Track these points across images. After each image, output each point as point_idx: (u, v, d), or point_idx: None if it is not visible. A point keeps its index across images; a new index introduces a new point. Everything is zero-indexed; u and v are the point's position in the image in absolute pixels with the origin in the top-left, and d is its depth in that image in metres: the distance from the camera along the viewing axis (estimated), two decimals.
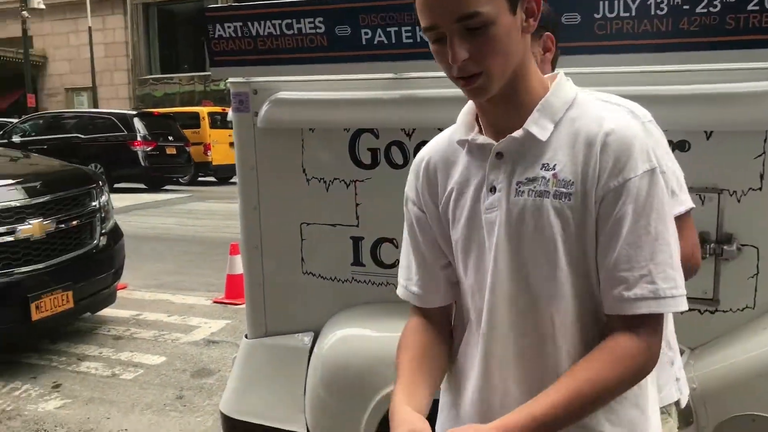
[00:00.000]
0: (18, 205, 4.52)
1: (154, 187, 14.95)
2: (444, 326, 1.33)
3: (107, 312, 5.52)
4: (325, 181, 2.49)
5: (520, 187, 1.14)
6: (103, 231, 5.13)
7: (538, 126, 1.14)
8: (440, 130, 2.27)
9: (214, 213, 11.51)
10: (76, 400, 4.09)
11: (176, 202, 13.10)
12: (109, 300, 5.26)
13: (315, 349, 2.53)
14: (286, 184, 2.56)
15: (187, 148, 15.42)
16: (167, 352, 4.85)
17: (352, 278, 2.54)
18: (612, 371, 1.09)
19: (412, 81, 2.31)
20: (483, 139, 1.19)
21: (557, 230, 1.12)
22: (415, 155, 2.39)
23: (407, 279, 1.34)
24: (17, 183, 4.72)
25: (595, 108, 1.16)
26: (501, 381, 1.21)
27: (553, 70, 1.63)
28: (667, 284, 1.09)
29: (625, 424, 1.18)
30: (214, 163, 16.35)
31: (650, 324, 1.11)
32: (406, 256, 1.35)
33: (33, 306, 4.37)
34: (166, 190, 14.86)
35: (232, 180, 16.66)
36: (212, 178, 16.75)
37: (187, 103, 23.30)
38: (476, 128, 1.21)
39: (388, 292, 2.48)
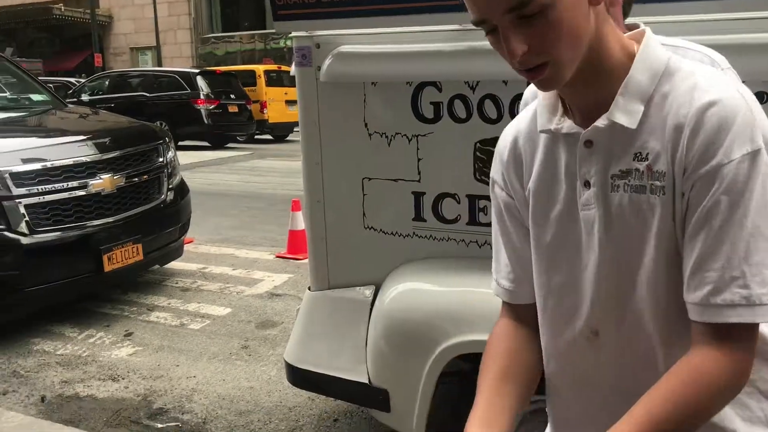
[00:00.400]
0: (89, 160, 4.68)
1: (217, 145, 15.23)
2: (536, 326, 1.21)
3: (175, 265, 5.71)
4: (386, 136, 2.49)
5: (615, 181, 1.02)
6: (170, 186, 5.28)
7: (624, 112, 1.00)
8: (505, 83, 2.25)
9: (275, 170, 11.66)
10: (146, 348, 4.27)
11: (238, 159, 13.32)
12: (177, 253, 5.44)
13: (376, 303, 2.56)
14: (348, 139, 2.57)
15: (248, 106, 15.62)
16: (232, 303, 5.00)
17: (414, 233, 2.55)
18: (693, 395, 0.94)
19: (476, 32, 2.26)
20: (568, 127, 1.06)
21: (656, 228, 1.00)
22: (478, 109, 2.38)
23: (497, 272, 1.23)
24: (88, 139, 4.88)
25: (689, 77, 0.99)
26: (601, 385, 1.12)
27: (625, 17, 1.54)
28: (763, 289, 0.93)
29: (763, 419, 1.05)
30: (270, 121, 16.51)
31: (740, 336, 0.95)
32: (495, 247, 1.24)
33: (105, 258, 4.55)
34: (229, 148, 15.11)
35: (288, 138, 16.82)
36: (269, 136, 16.93)
37: (248, 62, 23.49)
38: (560, 109, 1.08)
39: (449, 247, 2.48)
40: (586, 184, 1.05)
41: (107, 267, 4.58)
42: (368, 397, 2.58)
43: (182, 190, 5.48)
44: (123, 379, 3.86)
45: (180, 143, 14.04)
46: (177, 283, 5.51)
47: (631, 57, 1.01)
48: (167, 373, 3.91)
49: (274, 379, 3.77)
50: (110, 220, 4.70)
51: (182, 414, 3.46)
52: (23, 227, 4.29)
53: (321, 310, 2.78)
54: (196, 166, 11.75)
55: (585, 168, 1.05)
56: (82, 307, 4.93)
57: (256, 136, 16.65)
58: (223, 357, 4.11)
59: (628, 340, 1.07)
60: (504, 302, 1.23)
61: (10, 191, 4.28)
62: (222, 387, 3.72)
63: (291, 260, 5.97)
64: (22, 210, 4.30)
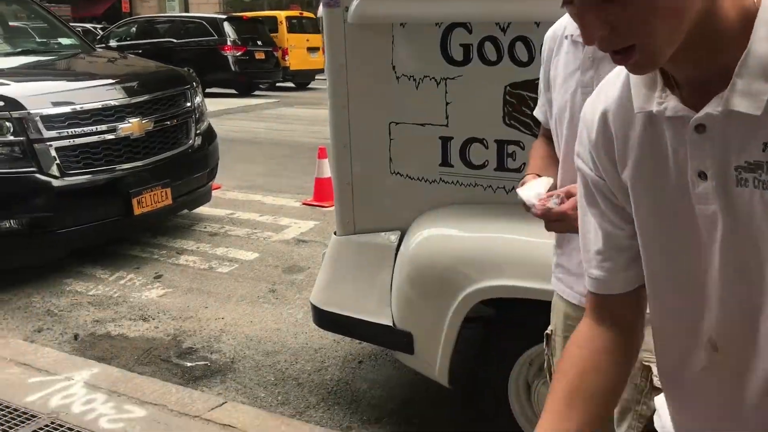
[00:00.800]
0: (118, 104, 4.71)
1: (244, 92, 15.19)
2: (624, 328, 1.05)
3: (203, 210, 5.77)
4: (414, 79, 2.46)
5: (741, 174, 0.83)
6: (198, 131, 5.30)
7: (744, 96, 0.79)
8: (537, 24, 2.20)
9: (302, 118, 11.63)
10: (176, 290, 4.36)
11: (265, 107, 13.30)
12: (205, 198, 5.49)
13: (401, 248, 2.57)
14: (375, 82, 2.55)
15: (275, 53, 15.50)
16: (260, 249, 5.06)
17: (440, 179, 2.54)
18: None
19: None
20: (673, 108, 0.85)
21: None
22: (509, 51, 2.34)
23: (587, 261, 1.07)
24: (116, 83, 4.90)
25: None
26: (717, 403, 0.98)
27: None
28: None
29: None
30: (291, 68, 16.32)
31: None
32: (583, 232, 1.08)
33: (134, 201, 4.62)
34: (255, 96, 15.08)
35: (310, 86, 16.67)
36: (290, 84, 16.80)
37: (275, 7, 23.21)
38: (660, 82, 0.87)
39: (476, 193, 2.47)
40: (701, 175, 0.86)
41: (137, 210, 4.64)
42: (392, 339, 2.62)
43: (210, 135, 5.50)
44: (153, 319, 3.95)
45: (207, 90, 14.04)
46: (205, 227, 5.58)
47: (751, 18, 0.80)
48: (196, 315, 3.99)
49: (300, 322, 3.83)
50: (139, 164, 4.75)
51: (211, 353, 3.54)
52: (54, 170, 4.36)
53: (346, 254, 2.80)
54: (223, 114, 11.76)
55: (698, 157, 0.86)
56: (112, 249, 5.03)
57: (277, 84, 16.55)
58: (250, 300, 4.18)
59: (755, 359, 0.90)
60: (591, 296, 1.07)
61: (41, 134, 4.33)
62: (249, 328, 3.80)
63: (317, 207, 6.00)
64: (53, 153, 4.36)
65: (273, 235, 5.36)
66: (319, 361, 3.43)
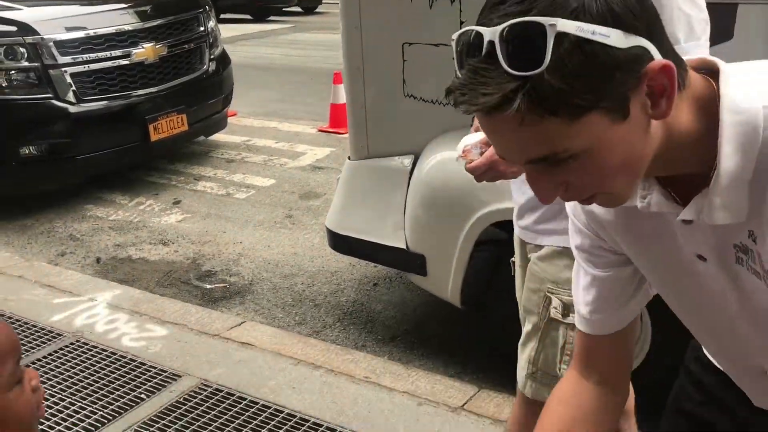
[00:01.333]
0: (131, 29, 4.66)
1: (259, 18, 14.92)
2: (611, 382, 1.04)
3: (219, 137, 5.78)
4: None
5: (738, 253, 0.83)
6: (212, 56, 5.25)
7: (725, 210, 0.78)
8: None
9: (317, 43, 11.44)
10: (194, 215, 4.42)
11: (280, 32, 13.08)
12: (221, 125, 5.49)
13: (415, 171, 2.58)
14: (388, 2, 2.49)
15: None
16: (276, 175, 5.08)
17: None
18: None
19: None
20: (657, 203, 0.84)
21: None
22: None
23: (575, 296, 1.06)
24: (129, 7, 4.84)
25: None
26: None
27: None
28: None
29: None
30: None
31: None
32: (575, 269, 1.06)
33: (151, 127, 4.63)
34: (270, 21, 14.81)
35: (317, 10, 16.29)
36: (297, 8, 16.41)
37: None
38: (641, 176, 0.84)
39: None
40: (701, 257, 0.86)
41: (153, 137, 4.66)
42: (406, 262, 2.66)
43: (224, 60, 5.45)
44: (172, 243, 4.03)
45: (222, 16, 13.81)
46: (222, 154, 5.60)
47: (712, 118, 0.77)
48: (215, 239, 4.06)
49: (317, 246, 3.89)
50: (154, 90, 4.73)
51: (230, 276, 3.62)
52: (70, 96, 4.37)
53: (360, 179, 2.81)
54: (238, 40, 11.60)
55: (692, 243, 0.86)
56: (131, 176, 5.08)
57: (283, 9, 16.16)
58: (268, 225, 4.24)
59: None
60: (582, 338, 1.06)
61: (55, 59, 4.32)
62: (267, 252, 3.86)
63: (333, 134, 5.98)
64: (69, 79, 4.36)
65: (289, 161, 5.37)
66: (335, 284, 3.50)
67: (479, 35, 0.70)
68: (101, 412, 2.35)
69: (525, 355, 1.58)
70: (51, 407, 2.38)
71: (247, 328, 2.91)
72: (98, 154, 4.50)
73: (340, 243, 2.91)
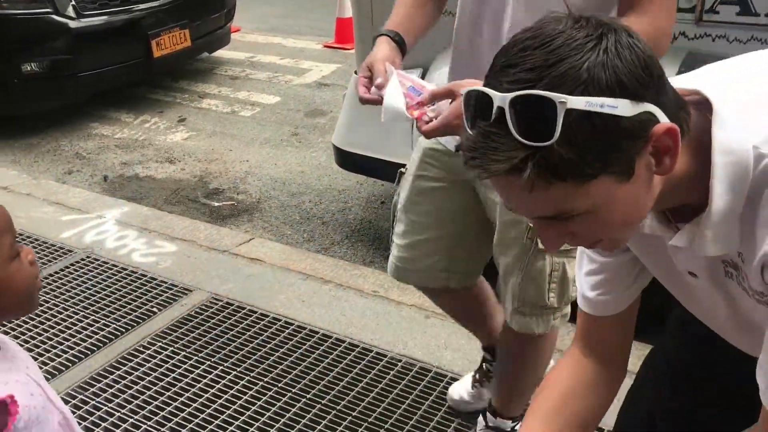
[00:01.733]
0: None
1: None
2: (610, 362, 1.08)
3: (223, 53, 5.67)
4: None
5: (727, 269, 0.87)
6: None
7: (716, 242, 0.82)
8: None
9: None
10: (200, 133, 4.39)
11: None
12: (224, 41, 5.38)
13: None
14: None
15: None
16: (281, 92, 5.01)
17: None
18: None
19: None
20: (650, 227, 0.88)
21: None
22: None
23: (578, 277, 1.08)
24: None
25: None
26: None
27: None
28: None
29: None
30: None
31: None
32: (579, 255, 1.09)
33: (153, 43, 4.54)
34: None
35: None
36: None
37: None
38: None
39: None
40: (692, 274, 0.91)
41: (156, 53, 4.58)
42: None
43: None
44: (179, 161, 4.01)
45: None
46: (226, 71, 5.51)
47: (706, 156, 0.79)
48: (221, 157, 4.04)
49: (324, 165, 3.87)
50: (155, 4, 4.62)
51: (237, 194, 3.62)
52: (70, 11, 4.26)
53: None
54: None
55: (683, 262, 0.90)
56: (135, 94, 5.02)
57: None
58: (274, 143, 4.21)
59: None
60: (582, 318, 1.09)
61: None
62: (274, 170, 3.85)
63: (339, 50, 5.86)
64: None
65: (294, 78, 5.29)
66: (343, 202, 3.50)
67: (489, 97, 0.72)
68: (114, 326, 2.40)
69: (508, 290, 1.52)
70: (64, 321, 2.43)
71: (255, 245, 2.93)
72: (100, 71, 4.43)
73: (347, 160, 2.89)
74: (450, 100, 1.22)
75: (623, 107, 0.70)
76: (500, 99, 0.71)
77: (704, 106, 0.80)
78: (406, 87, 1.29)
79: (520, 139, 0.70)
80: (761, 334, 0.87)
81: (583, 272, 1.07)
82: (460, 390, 1.98)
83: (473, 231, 1.59)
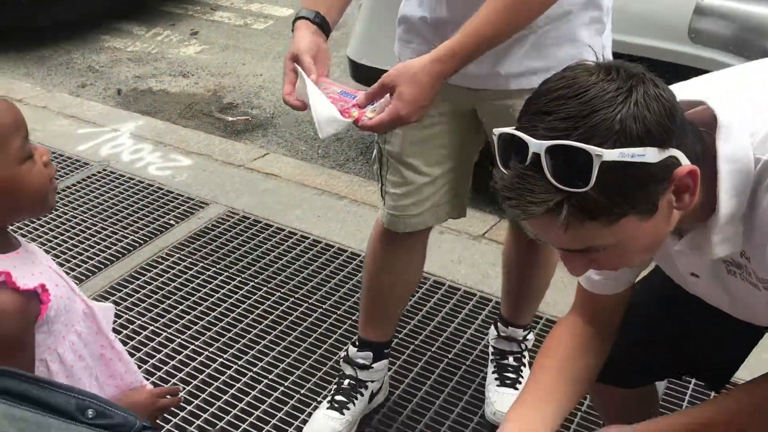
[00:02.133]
0: None
1: None
2: (603, 331, 1.14)
3: None
4: None
5: (730, 267, 0.94)
6: None
7: (724, 244, 0.88)
8: None
9: None
10: (213, 47, 4.32)
11: None
12: None
13: None
14: None
15: None
16: (295, 4, 4.88)
17: None
18: None
19: None
20: None
21: None
22: None
23: None
24: None
25: None
26: None
27: None
28: None
29: None
30: None
31: None
32: None
33: None
34: None
35: None
36: None
37: None
38: None
39: None
40: (694, 275, 0.98)
41: None
42: None
43: None
44: (192, 75, 3.97)
45: None
46: None
47: (711, 166, 0.84)
48: (234, 71, 3.99)
49: (339, 80, 3.80)
50: None
51: (251, 108, 3.59)
52: None
53: (384, 3, 2.69)
54: None
55: (685, 264, 0.98)
56: (147, 6, 4.91)
57: None
58: None
59: None
60: (583, 292, 1.14)
61: None
62: None
63: None
64: None
65: None
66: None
67: (524, 141, 0.77)
68: (132, 237, 2.43)
69: None
70: (83, 232, 2.46)
71: (270, 160, 2.93)
72: None
73: (363, 73, 2.83)
74: (388, 95, 1.18)
75: (651, 155, 0.76)
76: (536, 145, 0.76)
77: (708, 115, 0.86)
78: (337, 92, 1.23)
79: (555, 184, 0.76)
80: (763, 314, 0.97)
81: None
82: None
83: (472, 159, 1.58)
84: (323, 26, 1.32)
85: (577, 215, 0.78)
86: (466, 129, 1.50)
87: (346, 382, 1.74)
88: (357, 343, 1.74)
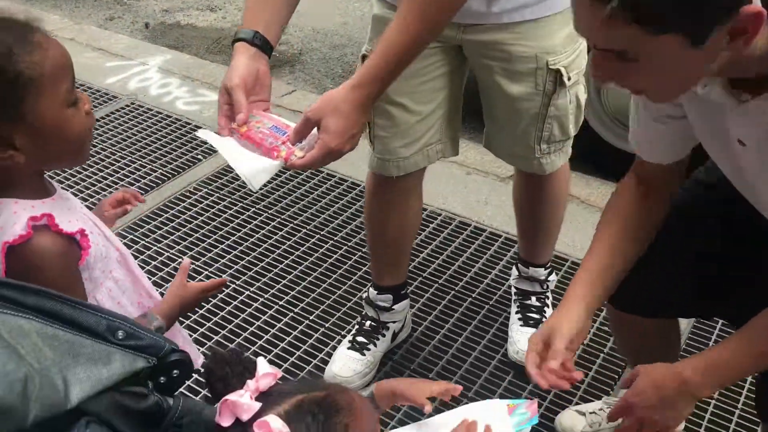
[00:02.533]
0: None
1: None
2: (658, 196, 1.16)
3: None
4: None
5: None
6: None
7: None
8: None
9: None
10: None
11: None
12: None
13: None
14: None
15: None
16: None
17: None
18: None
19: None
20: (718, 94, 0.90)
21: None
22: None
23: (631, 125, 1.14)
24: None
25: None
26: None
27: None
28: None
29: None
30: None
31: None
32: (634, 106, 1.12)
33: None
34: None
35: None
36: None
37: None
38: None
39: None
40: (741, 143, 0.95)
41: None
42: None
43: None
44: (220, 9, 3.92)
45: None
46: None
47: None
48: None
49: (366, 17, 3.70)
50: None
51: (279, 45, 3.54)
52: None
53: None
54: None
55: (736, 129, 0.94)
56: None
57: None
58: None
59: None
60: (638, 159, 1.17)
61: None
62: (315, 21, 3.75)
63: None
64: None
65: None
66: None
67: None
68: (161, 170, 2.45)
69: (529, 143, 1.49)
70: (113, 164, 2.49)
71: (298, 97, 2.91)
72: None
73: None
74: (314, 129, 1.15)
75: None
76: None
77: None
78: (268, 127, 1.19)
79: None
80: None
81: (641, 127, 1.12)
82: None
83: (461, 95, 1.53)
84: (263, 47, 1.27)
85: (623, 12, 0.74)
86: (454, 64, 1.46)
87: (368, 323, 1.76)
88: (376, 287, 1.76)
